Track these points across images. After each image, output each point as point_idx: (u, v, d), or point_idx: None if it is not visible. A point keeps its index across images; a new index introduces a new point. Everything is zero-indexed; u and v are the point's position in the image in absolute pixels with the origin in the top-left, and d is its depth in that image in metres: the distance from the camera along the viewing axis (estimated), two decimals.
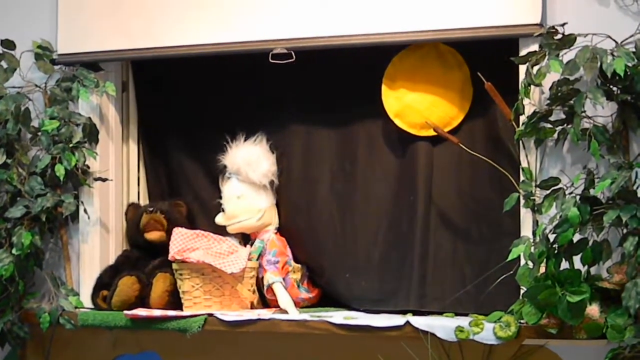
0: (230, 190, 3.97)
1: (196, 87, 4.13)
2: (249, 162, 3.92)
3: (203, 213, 4.13)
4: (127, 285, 3.85)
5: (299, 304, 3.88)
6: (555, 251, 3.28)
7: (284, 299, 3.78)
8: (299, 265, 3.96)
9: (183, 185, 4.18)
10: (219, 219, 3.99)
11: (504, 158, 3.61)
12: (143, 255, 4.01)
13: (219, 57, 3.90)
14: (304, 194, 3.98)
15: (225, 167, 4.00)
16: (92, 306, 3.98)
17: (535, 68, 3.37)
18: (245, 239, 4.04)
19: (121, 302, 3.84)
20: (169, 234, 3.92)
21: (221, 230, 4.01)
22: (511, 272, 3.43)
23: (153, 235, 3.97)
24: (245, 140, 3.97)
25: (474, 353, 3.52)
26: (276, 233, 3.99)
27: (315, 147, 3.97)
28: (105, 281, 3.96)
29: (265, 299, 3.91)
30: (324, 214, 3.94)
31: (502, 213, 3.49)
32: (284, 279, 3.86)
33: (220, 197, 4.03)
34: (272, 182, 3.97)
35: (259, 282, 3.91)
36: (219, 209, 4.05)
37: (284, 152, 4.00)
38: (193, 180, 4.17)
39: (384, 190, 3.86)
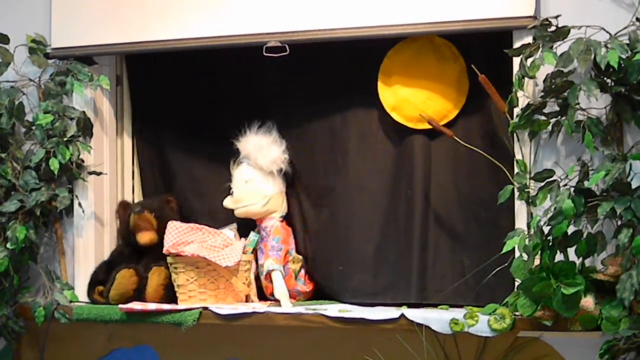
0: (239, 174, 3.97)
1: (190, 80, 4.13)
2: (260, 147, 3.92)
3: (198, 205, 4.13)
4: (125, 278, 3.85)
5: (295, 296, 3.89)
6: (550, 243, 3.28)
7: (279, 288, 3.79)
8: (300, 257, 3.96)
9: (178, 178, 4.18)
10: (227, 202, 3.98)
11: (499, 150, 3.61)
12: (137, 251, 4.01)
13: (213, 50, 3.89)
14: (298, 187, 3.98)
15: (237, 152, 3.99)
16: (88, 300, 3.97)
17: (529, 60, 3.37)
18: (250, 225, 4.03)
19: (119, 295, 3.84)
20: (160, 233, 3.92)
21: (217, 224, 4.02)
22: (506, 264, 3.43)
23: (144, 238, 3.95)
24: (258, 128, 3.96)
25: (469, 345, 3.52)
26: (282, 221, 3.99)
27: (311, 139, 3.97)
28: (101, 277, 3.96)
29: (262, 289, 3.92)
30: (319, 207, 3.94)
31: (498, 205, 3.49)
32: (282, 267, 3.86)
33: (225, 183, 4.02)
34: (281, 170, 3.97)
35: (256, 272, 3.92)
36: (214, 201, 4.06)
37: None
38: (188, 173, 4.16)
39: (381, 183, 3.87)
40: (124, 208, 4.07)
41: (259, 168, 3.93)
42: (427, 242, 3.76)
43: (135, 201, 4.17)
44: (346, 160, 3.91)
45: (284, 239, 3.92)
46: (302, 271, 3.97)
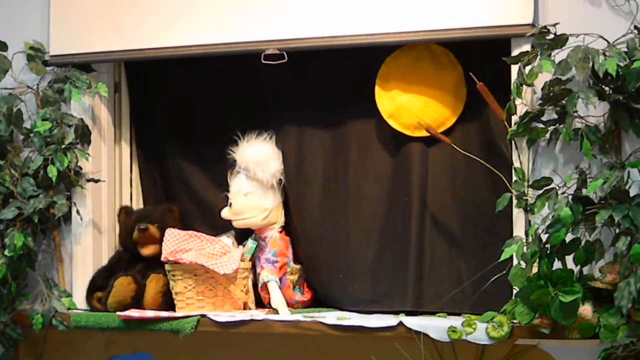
0: (238, 186, 3.96)
1: (189, 88, 4.13)
2: (259, 161, 3.92)
3: (198, 213, 4.13)
4: (123, 285, 3.85)
5: (293, 306, 3.89)
6: (548, 251, 3.28)
7: (276, 298, 3.78)
8: (298, 267, 3.96)
9: (177, 186, 4.17)
10: (225, 213, 3.96)
11: (497, 158, 3.61)
12: (136, 257, 4.00)
13: (212, 57, 3.89)
14: (297, 194, 3.97)
15: (234, 161, 3.98)
16: (85, 307, 3.97)
17: (528, 68, 3.37)
18: (248, 233, 4.03)
19: (117, 302, 3.84)
20: (162, 243, 3.91)
21: (216, 231, 4.02)
22: (504, 272, 3.43)
23: (147, 251, 3.96)
24: (256, 137, 3.95)
25: (467, 353, 3.52)
26: (281, 232, 3.98)
27: (309, 147, 3.96)
28: (99, 283, 3.96)
29: (260, 298, 3.91)
30: (317, 214, 3.94)
31: (496, 213, 3.49)
32: (280, 279, 3.86)
33: (223, 192, 4.01)
34: (280, 182, 3.97)
35: (255, 279, 3.91)
36: (213, 208, 4.05)
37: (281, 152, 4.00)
38: (187, 180, 4.16)
39: (378, 191, 3.86)
40: (126, 214, 4.07)
41: (258, 181, 3.93)
42: (425, 249, 3.76)
43: (135, 208, 4.16)
44: (346, 167, 3.91)
45: (280, 252, 3.91)
46: (301, 280, 3.96)
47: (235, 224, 3.97)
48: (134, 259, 4.00)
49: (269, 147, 3.95)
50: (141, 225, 3.95)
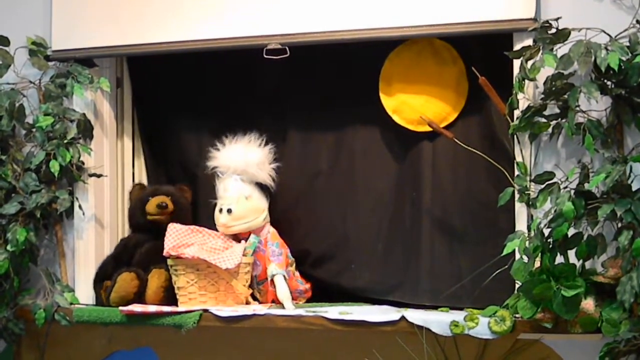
0: (237, 190, 3.90)
1: (191, 83, 4.13)
2: (257, 162, 3.90)
3: (201, 208, 4.12)
4: (126, 281, 3.84)
5: (297, 298, 3.91)
6: (550, 245, 3.28)
7: (283, 291, 3.77)
8: (293, 258, 3.97)
9: (181, 181, 4.15)
10: (225, 220, 3.91)
11: (499, 153, 3.62)
12: (141, 240, 4.00)
13: (215, 52, 3.89)
14: (303, 189, 3.99)
15: (219, 167, 3.96)
16: (88, 302, 3.97)
17: (530, 62, 3.37)
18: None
19: (120, 297, 3.84)
20: (172, 216, 3.94)
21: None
22: (506, 266, 3.43)
23: (158, 217, 3.96)
24: (238, 139, 3.94)
25: (469, 348, 3.52)
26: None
27: (314, 141, 3.98)
28: (109, 271, 3.95)
29: (255, 298, 3.92)
30: (325, 208, 3.96)
31: (498, 207, 3.49)
32: (285, 271, 3.87)
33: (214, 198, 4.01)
34: (273, 180, 3.97)
35: (252, 277, 3.92)
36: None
37: (284, 147, 4.00)
38: (189, 175, 4.16)
39: (384, 185, 3.88)
40: (140, 189, 4.06)
41: (253, 182, 3.92)
42: (427, 244, 3.76)
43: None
44: (352, 162, 3.92)
45: (281, 244, 3.92)
46: (297, 272, 3.97)
47: (234, 229, 3.91)
48: (138, 243, 3.98)
49: (259, 148, 3.93)
50: (162, 203, 3.95)
